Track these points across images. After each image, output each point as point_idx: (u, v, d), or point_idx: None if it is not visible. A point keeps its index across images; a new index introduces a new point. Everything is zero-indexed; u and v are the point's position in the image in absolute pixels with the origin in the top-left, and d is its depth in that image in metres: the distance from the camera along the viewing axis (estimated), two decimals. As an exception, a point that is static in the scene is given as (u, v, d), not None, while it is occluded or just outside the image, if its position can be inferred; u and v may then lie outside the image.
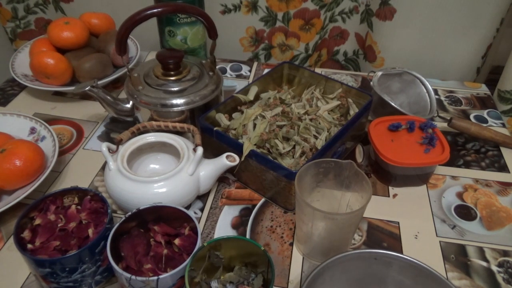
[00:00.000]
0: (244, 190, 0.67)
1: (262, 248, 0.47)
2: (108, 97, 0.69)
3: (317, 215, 0.49)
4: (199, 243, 0.49)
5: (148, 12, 0.63)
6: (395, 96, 0.80)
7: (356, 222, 0.54)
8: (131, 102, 0.70)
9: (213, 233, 0.60)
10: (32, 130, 0.73)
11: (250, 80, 0.93)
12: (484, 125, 0.79)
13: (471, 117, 0.83)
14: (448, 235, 0.61)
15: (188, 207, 0.64)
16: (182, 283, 0.47)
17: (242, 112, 0.70)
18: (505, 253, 0.58)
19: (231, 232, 0.61)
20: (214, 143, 0.65)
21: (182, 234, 0.53)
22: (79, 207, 0.54)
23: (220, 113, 0.68)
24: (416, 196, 0.67)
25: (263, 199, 0.65)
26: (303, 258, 0.58)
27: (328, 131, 0.67)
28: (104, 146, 0.60)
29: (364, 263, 0.48)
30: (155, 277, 0.44)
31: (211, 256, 0.49)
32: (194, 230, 0.52)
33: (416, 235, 0.61)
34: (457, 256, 0.58)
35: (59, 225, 0.52)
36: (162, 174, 0.58)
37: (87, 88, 0.67)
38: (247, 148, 0.61)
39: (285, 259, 0.57)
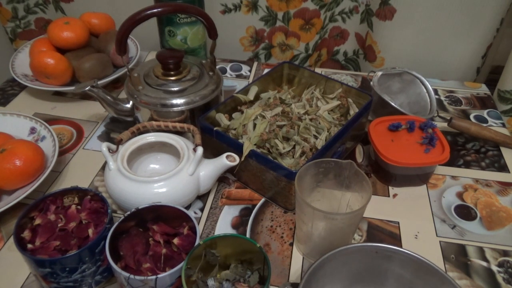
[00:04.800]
0: (244, 190, 0.67)
1: (258, 245, 0.47)
2: (108, 97, 0.69)
3: (317, 215, 0.49)
4: (197, 243, 0.48)
5: (148, 12, 0.63)
6: (395, 96, 0.80)
7: (356, 222, 0.54)
8: (131, 102, 0.70)
9: (213, 233, 0.60)
10: (32, 130, 0.73)
11: (250, 80, 0.93)
12: (484, 125, 0.79)
13: (471, 117, 0.83)
14: (448, 235, 0.61)
15: (188, 207, 0.64)
16: (180, 282, 0.47)
17: (242, 112, 0.70)
18: (505, 253, 0.58)
19: (231, 232, 0.60)
20: (214, 143, 0.65)
21: (181, 233, 0.53)
22: (79, 207, 0.54)
23: (220, 113, 0.68)
24: (416, 196, 0.67)
25: (263, 199, 0.65)
26: (303, 258, 0.58)
27: (328, 131, 0.67)
28: (104, 146, 0.60)
29: (365, 256, 0.48)
30: (154, 276, 0.44)
31: (207, 254, 0.49)
32: (193, 229, 0.52)
33: (416, 235, 0.61)
34: (457, 256, 0.58)
35: (59, 225, 0.52)
36: (162, 174, 0.58)
37: (87, 88, 0.67)
38: (247, 148, 0.61)
39: (285, 259, 0.57)
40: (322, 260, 0.46)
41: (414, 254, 0.47)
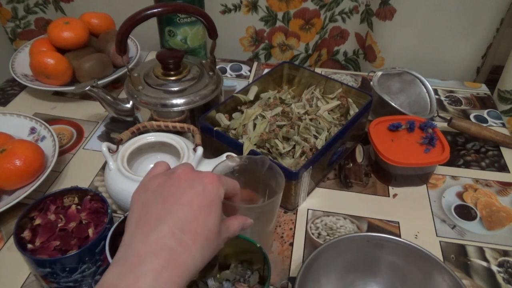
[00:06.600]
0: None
1: (258, 245, 0.47)
2: (108, 97, 0.69)
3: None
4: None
5: (148, 12, 0.63)
6: (395, 96, 0.80)
7: (273, 214, 0.53)
8: (131, 102, 0.70)
9: (213, 233, 0.60)
10: (32, 130, 0.73)
11: (250, 80, 0.93)
12: (484, 125, 0.79)
13: (471, 117, 0.83)
14: (448, 235, 0.61)
15: (188, 207, 0.63)
16: (182, 283, 0.47)
17: (242, 112, 0.70)
18: (505, 253, 0.58)
19: (231, 232, 0.60)
20: (214, 143, 0.65)
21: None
22: (79, 207, 0.54)
23: (220, 113, 0.68)
24: (416, 196, 0.67)
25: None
26: (303, 257, 0.57)
27: (328, 131, 0.67)
28: (104, 146, 0.60)
29: (357, 246, 0.50)
30: (155, 277, 0.44)
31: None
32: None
33: (416, 235, 0.61)
34: (457, 256, 0.58)
35: (59, 225, 0.52)
36: (162, 174, 0.58)
37: (87, 88, 0.67)
38: (247, 148, 0.61)
39: (285, 259, 0.57)
40: (317, 253, 0.48)
41: (404, 241, 0.49)
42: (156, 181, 0.39)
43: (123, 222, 0.51)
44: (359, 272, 0.52)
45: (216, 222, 0.36)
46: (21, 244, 0.49)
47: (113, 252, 0.47)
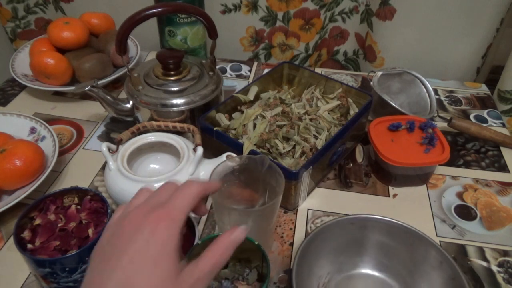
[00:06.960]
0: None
1: (256, 243, 0.47)
2: (108, 97, 0.69)
3: (233, 213, 0.50)
4: (196, 242, 0.48)
5: (148, 12, 0.63)
6: (395, 96, 0.80)
7: (273, 214, 0.53)
8: (131, 102, 0.70)
9: (213, 233, 0.60)
10: (32, 130, 0.73)
11: (250, 80, 0.93)
12: (484, 125, 0.79)
13: (471, 117, 0.83)
14: (448, 235, 0.61)
15: (188, 207, 0.63)
16: (181, 283, 0.47)
17: (242, 112, 0.70)
18: (505, 253, 0.58)
19: (231, 232, 0.60)
20: (214, 143, 0.65)
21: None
22: (79, 207, 0.54)
23: (220, 113, 0.68)
24: (416, 196, 0.67)
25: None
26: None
27: (328, 131, 0.67)
28: (104, 146, 0.60)
29: (342, 229, 0.53)
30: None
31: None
32: (192, 230, 0.52)
33: (416, 235, 0.61)
34: (457, 256, 0.58)
35: (59, 225, 0.52)
36: (162, 174, 0.58)
37: (87, 88, 0.67)
38: (247, 148, 0.61)
39: (285, 259, 0.57)
40: (307, 242, 0.49)
41: (385, 218, 0.52)
42: (112, 227, 0.36)
43: (123, 222, 0.50)
44: (347, 253, 0.54)
45: (165, 272, 0.32)
46: (21, 244, 0.49)
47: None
